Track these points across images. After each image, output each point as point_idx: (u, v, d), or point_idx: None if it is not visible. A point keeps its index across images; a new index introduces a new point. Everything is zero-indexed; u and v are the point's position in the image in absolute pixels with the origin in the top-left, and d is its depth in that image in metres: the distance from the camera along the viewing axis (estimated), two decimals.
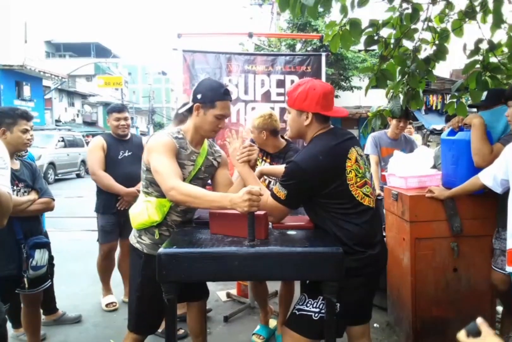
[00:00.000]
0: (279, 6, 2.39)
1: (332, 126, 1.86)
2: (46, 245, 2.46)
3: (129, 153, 3.31)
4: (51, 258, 3.05)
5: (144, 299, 1.95)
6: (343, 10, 2.54)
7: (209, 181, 2.12)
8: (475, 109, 2.90)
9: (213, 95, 1.85)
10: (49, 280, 2.58)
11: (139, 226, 1.94)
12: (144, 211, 1.89)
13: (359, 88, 13.55)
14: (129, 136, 3.39)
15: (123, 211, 3.17)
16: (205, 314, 2.35)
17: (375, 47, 2.88)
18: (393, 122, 3.78)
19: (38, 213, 2.44)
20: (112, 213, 3.26)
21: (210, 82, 1.94)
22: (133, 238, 2.04)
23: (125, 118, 3.31)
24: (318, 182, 1.70)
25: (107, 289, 3.52)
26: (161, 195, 1.88)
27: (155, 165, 1.78)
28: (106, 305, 3.39)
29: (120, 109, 3.33)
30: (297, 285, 2.67)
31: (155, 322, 2.08)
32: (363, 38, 2.70)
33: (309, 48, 12.99)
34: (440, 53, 2.76)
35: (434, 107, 11.94)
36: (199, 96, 1.87)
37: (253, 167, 1.94)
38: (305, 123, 1.79)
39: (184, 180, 1.88)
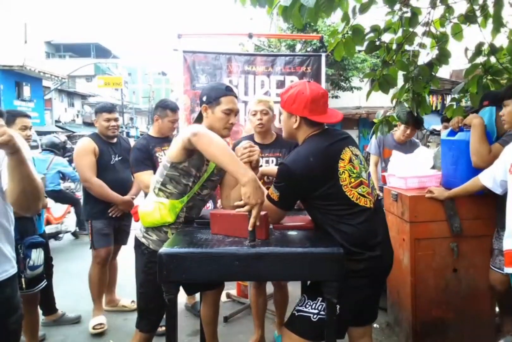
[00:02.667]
0: (282, 17, 2.37)
1: (326, 127, 1.86)
2: (42, 245, 2.46)
3: (119, 158, 3.15)
4: (50, 258, 3.08)
5: (147, 296, 1.99)
6: (345, 17, 2.54)
7: None
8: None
9: (216, 93, 1.93)
10: (45, 280, 2.57)
11: (149, 225, 1.97)
12: (156, 210, 1.92)
13: (359, 88, 13.54)
14: (116, 139, 3.22)
15: (116, 216, 3.10)
16: (219, 303, 2.35)
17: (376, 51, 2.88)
18: (401, 127, 3.74)
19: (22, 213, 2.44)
20: (106, 218, 3.09)
21: (211, 84, 2.10)
22: (139, 232, 2.06)
23: (116, 119, 3.14)
24: (309, 184, 1.70)
25: (99, 308, 3.15)
26: (179, 193, 1.94)
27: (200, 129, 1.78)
28: (93, 327, 2.99)
29: (111, 109, 3.14)
30: (297, 286, 2.68)
31: (157, 318, 2.11)
32: (365, 44, 2.70)
33: (309, 49, 12.97)
34: (443, 57, 2.76)
35: (434, 108, 11.93)
36: (204, 98, 1.94)
37: (255, 168, 1.95)
38: (294, 126, 1.81)
39: (198, 180, 1.96)
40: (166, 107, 2.94)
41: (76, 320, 3.18)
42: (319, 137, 1.79)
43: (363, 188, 1.76)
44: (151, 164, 2.77)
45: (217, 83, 2.06)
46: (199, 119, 2.02)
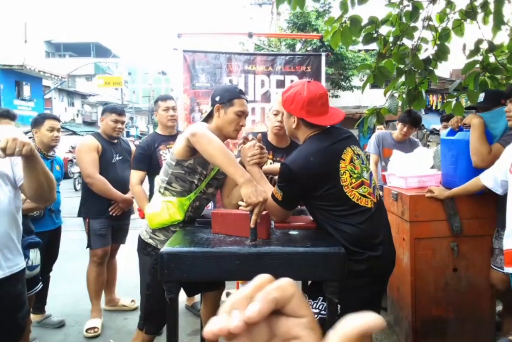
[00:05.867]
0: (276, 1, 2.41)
1: (328, 126, 1.85)
2: (38, 244, 2.47)
3: (120, 157, 3.18)
4: (53, 260, 3.09)
5: (154, 298, 1.97)
6: (343, 6, 2.55)
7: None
8: (473, 111, 2.91)
9: (230, 95, 1.95)
10: (41, 283, 2.55)
11: (158, 226, 1.96)
12: (164, 210, 1.91)
13: (359, 88, 13.55)
14: (117, 139, 3.24)
15: (115, 216, 3.10)
16: (219, 303, 2.33)
17: (375, 46, 2.88)
18: (399, 125, 3.76)
19: (29, 211, 2.45)
20: (105, 217, 3.09)
21: (224, 85, 2.14)
22: (145, 233, 2.04)
23: (123, 122, 3.18)
24: (309, 184, 1.70)
25: (96, 309, 3.12)
26: (185, 190, 1.95)
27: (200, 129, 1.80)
28: (87, 330, 2.95)
29: (122, 112, 3.18)
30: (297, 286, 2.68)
31: (162, 320, 2.10)
32: (362, 36, 2.70)
33: (309, 48, 12.99)
34: (442, 53, 2.76)
35: (434, 107, 11.94)
36: (217, 98, 1.96)
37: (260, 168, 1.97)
38: (293, 127, 1.81)
39: (204, 177, 1.97)
40: (157, 100, 3.09)
41: (58, 325, 3.10)
42: (320, 137, 1.78)
43: (364, 188, 1.75)
44: (149, 164, 2.86)
45: (230, 86, 2.12)
46: (207, 118, 2.02)
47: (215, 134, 1.92)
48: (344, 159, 1.72)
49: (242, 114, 1.96)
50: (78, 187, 11.45)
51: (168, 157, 2.00)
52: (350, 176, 1.72)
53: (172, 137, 2.93)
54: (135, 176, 2.83)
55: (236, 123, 1.95)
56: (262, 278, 0.36)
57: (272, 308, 0.33)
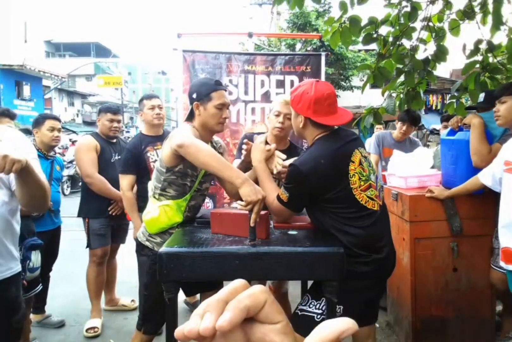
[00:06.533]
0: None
1: (335, 127, 1.83)
2: (40, 246, 2.47)
3: (119, 157, 3.16)
4: (53, 260, 3.08)
5: (152, 298, 1.98)
6: (343, 6, 2.55)
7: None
8: (473, 111, 2.92)
9: (206, 89, 1.90)
10: (41, 284, 2.55)
11: (158, 230, 1.95)
12: (163, 214, 1.91)
13: (359, 88, 13.54)
14: (115, 139, 3.24)
15: (114, 215, 3.10)
16: None
17: (375, 46, 2.88)
18: (398, 124, 3.76)
19: (28, 212, 2.45)
20: (104, 217, 3.10)
21: (199, 80, 2.09)
22: (141, 236, 2.04)
23: (119, 121, 3.17)
24: (318, 186, 1.68)
25: (97, 309, 3.13)
26: (180, 194, 1.94)
27: (185, 138, 1.75)
28: (87, 330, 2.96)
29: (116, 111, 3.17)
30: (297, 286, 2.67)
31: (162, 320, 2.10)
32: (362, 36, 2.70)
33: (309, 48, 12.98)
34: (441, 54, 2.76)
35: (434, 107, 11.93)
36: (194, 95, 1.92)
37: None
38: (300, 126, 1.79)
39: (196, 178, 1.95)
40: (142, 99, 3.02)
41: (58, 325, 3.10)
42: (329, 139, 1.76)
43: (372, 190, 1.74)
44: (137, 166, 2.78)
45: (205, 79, 2.03)
46: (190, 117, 1.99)
47: (200, 132, 1.91)
48: (353, 162, 1.71)
49: (223, 107, 1.90)
50: (67, 191, 10.88)
51: (158, 164, 1.98)
52: (359, 179, 1.70)
53: (159, 138, 2.88)
54: (125, 180, 2.72)
55: (219, 116, 1.90)
56: (237, 283, 0.37)
57: (243, 316, 0.34)
